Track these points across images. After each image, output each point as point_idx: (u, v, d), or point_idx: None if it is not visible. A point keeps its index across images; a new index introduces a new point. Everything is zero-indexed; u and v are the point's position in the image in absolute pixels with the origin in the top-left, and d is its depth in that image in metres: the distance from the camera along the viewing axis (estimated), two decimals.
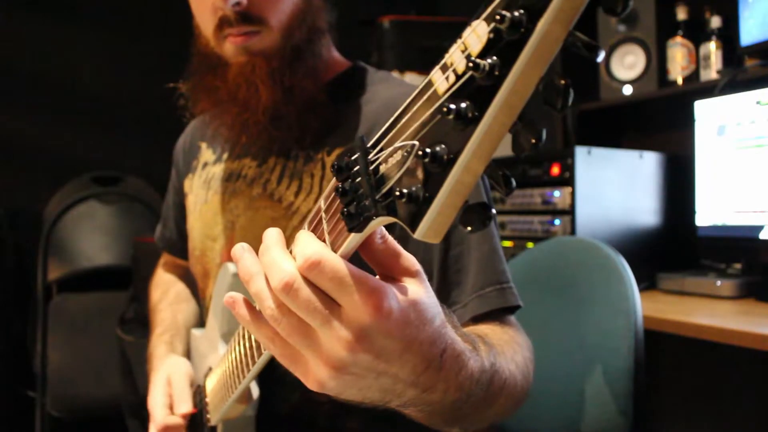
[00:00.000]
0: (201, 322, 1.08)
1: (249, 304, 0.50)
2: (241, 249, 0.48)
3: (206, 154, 1.06)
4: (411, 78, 2.31)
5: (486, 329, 0.74)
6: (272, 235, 0.47)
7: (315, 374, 0.46)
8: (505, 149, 0.36)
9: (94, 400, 2.23)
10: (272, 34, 0.84)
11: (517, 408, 0.68)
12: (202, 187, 1.02)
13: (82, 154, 2.55)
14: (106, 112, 2.58)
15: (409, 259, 0.46)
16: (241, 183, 0.95)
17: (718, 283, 1.56)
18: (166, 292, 1.15)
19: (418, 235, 0.37)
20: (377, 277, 0.46)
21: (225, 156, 1.01)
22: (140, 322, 2.04)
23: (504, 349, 0.67)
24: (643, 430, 0.98)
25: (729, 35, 1.80)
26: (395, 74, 2.22)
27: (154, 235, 1.24)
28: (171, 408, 0.89)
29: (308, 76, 0.87)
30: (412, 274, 0.46)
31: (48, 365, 2.25)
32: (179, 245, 1.14)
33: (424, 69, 2.32)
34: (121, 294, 2.28)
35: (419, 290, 0.45)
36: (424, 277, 0.47)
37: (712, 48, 1.82)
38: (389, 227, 0.44)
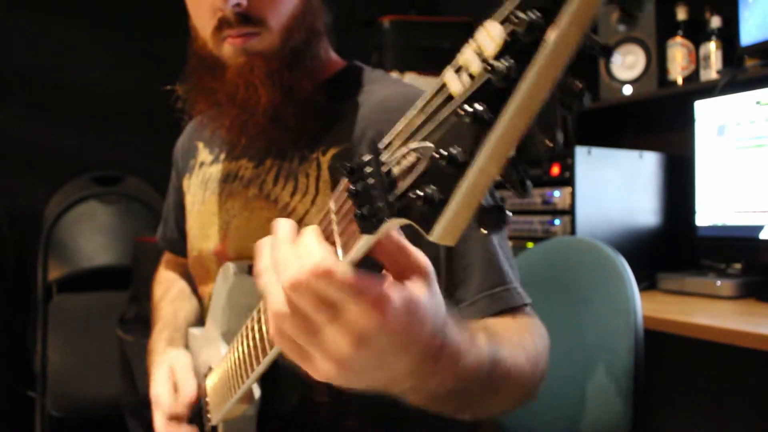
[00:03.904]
0: (202, 320, 1.08)
1: None
2: (267, 243, 0.50)
3: (203, 154, 1.06)
4: (411, 78, 2.31)
5: (494, 320, 0.75)
6: (284, 230, 0.48)
7: (320, 369, 0.48)
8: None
9: (94, 400, 2.24)
10: (272, 36, 0.83)
11: (528, 396, 0.69)
12: (200, 187, 1.02)
13: (82, 154, 2.55)
14: (106, 112, 2.57)
15: (420, 258, 0.47)
16: (238, 184, 0.94)
17: (718, 283, 1.56)
18: (168, 290, 1.16)
19: (434, 237, 0.37)
20: (384, 271, 0.47)
21: (222, 157, 1.01)
22: (140, 322, 2.04)
23: (511, 338, 0.68)
24: (644, 430, 0.98)
25: (729, 35, 1.80)
26: (395, 74, 2.23)
27: (156, 234, 1.24)
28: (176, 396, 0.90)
29: (307, 78, 0.86)
30: (422, 274, 0.47)
31: (48, 365, 2.25)
32: (180, 244, 1.14)
33: (424, 69, 2.32)
34: (121, 294, 2.27)
35: (425, 292, 0.46)
36: (433, 277, 0.48)
37: (712, 48, 1.82)
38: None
